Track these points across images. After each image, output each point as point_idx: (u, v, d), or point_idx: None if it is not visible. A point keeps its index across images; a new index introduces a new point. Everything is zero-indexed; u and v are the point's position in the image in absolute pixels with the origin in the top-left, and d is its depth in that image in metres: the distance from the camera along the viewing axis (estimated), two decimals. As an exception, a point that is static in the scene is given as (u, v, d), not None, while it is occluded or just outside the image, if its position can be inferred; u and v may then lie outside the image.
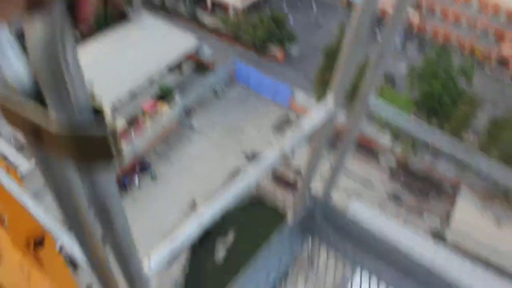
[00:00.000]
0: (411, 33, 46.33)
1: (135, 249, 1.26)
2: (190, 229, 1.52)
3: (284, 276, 2.60)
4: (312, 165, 2.69)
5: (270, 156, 2.22)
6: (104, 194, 1.09)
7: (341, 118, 2.45)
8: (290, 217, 2.76)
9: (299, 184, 2.82)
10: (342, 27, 31.74)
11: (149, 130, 31.12)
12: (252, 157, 31.66)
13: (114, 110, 32.75)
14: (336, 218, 2.81)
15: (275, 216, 25.38)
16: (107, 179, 1.07)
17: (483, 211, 28.33)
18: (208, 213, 1.59)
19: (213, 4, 44.73)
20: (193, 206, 28.11)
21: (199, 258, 26.93)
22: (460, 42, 44.82)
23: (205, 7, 44.67)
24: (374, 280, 2.92)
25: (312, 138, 2.51)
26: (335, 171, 2.82)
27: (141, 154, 30.59)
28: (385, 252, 2.93)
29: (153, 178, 29.80)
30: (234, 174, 30.70)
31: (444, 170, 32.15)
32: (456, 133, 29.19)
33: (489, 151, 29.34)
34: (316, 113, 2.23)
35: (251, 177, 2.13)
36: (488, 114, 34.50)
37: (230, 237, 28.28)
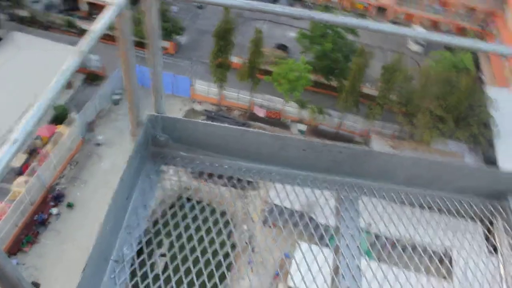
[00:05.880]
0: (292, -1, 47.14)
1: None
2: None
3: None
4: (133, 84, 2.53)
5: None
6: None
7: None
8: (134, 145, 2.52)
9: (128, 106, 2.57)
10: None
11: (53, 157, 29.08)
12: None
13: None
14: (174, 128, 2.74)
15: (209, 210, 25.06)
16: None
17: (394, 154, 30.02)
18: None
19: (90, 8, 42.33)
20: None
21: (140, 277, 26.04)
22: (339, -2, 46.41)
23: (82, 13, 42.17)
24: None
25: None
26: (154, 80, 2.66)
27: (51, 184, 28.73)
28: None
29: (70, 206, 28.11)
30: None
31: (351, 126, 33.64)
32: (355, 86, 30.41)
33: (387, 97, 31.01)
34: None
35: None
36: (379, 61, 36.27)
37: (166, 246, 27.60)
